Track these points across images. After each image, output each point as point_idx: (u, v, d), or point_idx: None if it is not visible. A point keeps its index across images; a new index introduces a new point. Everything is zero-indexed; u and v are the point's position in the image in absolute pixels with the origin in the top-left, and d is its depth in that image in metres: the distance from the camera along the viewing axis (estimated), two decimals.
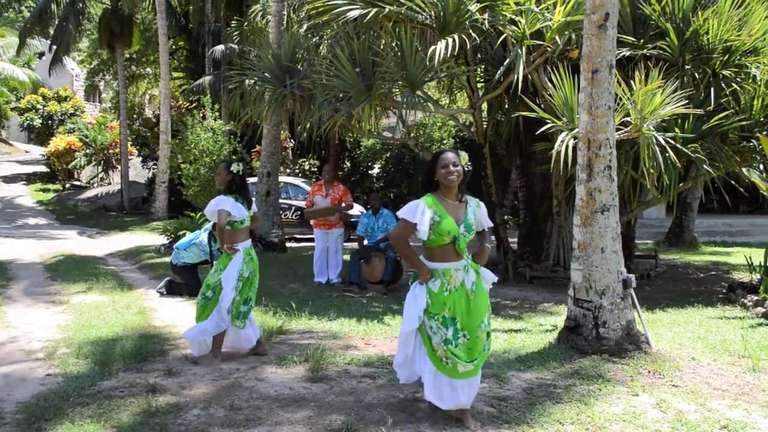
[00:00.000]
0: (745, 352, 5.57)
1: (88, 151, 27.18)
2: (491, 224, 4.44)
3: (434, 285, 4.06)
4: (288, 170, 20.46)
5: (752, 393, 4.69)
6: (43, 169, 30.65)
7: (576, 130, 6.50)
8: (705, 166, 7.99)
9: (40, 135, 35.11)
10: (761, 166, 8.81)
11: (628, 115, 7.22)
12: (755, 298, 7.70)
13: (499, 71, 8.99)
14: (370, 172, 22.21)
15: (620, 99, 7.05)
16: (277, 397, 4.61)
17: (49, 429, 4.01)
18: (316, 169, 21.42)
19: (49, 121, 34.27)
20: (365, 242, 9.61)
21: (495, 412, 4.26)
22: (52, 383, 4.94)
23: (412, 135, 14.52)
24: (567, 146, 7.14)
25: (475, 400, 4.41)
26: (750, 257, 8.97)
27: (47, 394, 4.65)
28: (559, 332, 5.99)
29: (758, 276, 8.38)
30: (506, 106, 10.68)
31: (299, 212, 16.21)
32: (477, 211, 4.22)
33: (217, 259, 5.84)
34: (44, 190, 28.16)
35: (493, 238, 4.15)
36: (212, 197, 5.85)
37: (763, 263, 8.33)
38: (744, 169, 8.82)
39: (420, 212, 4.01)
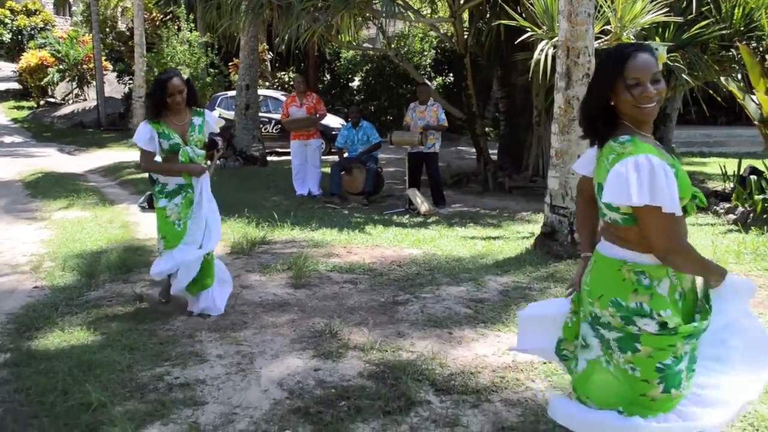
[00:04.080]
0: (714, 256, 5.75)
1: (61, 66, 26.46)
2: None
3: (662, 287, 2.12)
4: (267, 83, 20.13)
5: None
6: (15, 86, 29.89)
7: (556, 38, 6.48)
8: (684, 75, 8.00)
9: (10, 51, 33.95)
10: (739, 76, 8.85)
11: (608, 23, 7.18)
12: (727, 205, 7.89)
13: None
14: (350, 84, 21.92)
15: (600, 7, 6.99)
16: (261, 302, 4.75)
17: (40, 337, 4.11)
18: None
19: (19, 36, 33.13)
20: (345, 154, 9.64)
21: (472, 313, 4.42)
22: (40, 295, 5.03)
23: (392, 46, 14.28)
24: (547, 55, 7.12)
25: (454, 302, 4.58)
26: (724, 166, 9.12)
27: (36, 304, 4.74)
28: (536, 238, 6.15)
29: (731, 185, 8.56)
30: (487, 14, 10.52)
31: (280, 125, 16.08)
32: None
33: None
34: (18, 108, 27.56)
35: None
36: None
37: (736, 172, 8.49)
38: (723, 79, 8.87)
39: (662, 172, 2.00)
